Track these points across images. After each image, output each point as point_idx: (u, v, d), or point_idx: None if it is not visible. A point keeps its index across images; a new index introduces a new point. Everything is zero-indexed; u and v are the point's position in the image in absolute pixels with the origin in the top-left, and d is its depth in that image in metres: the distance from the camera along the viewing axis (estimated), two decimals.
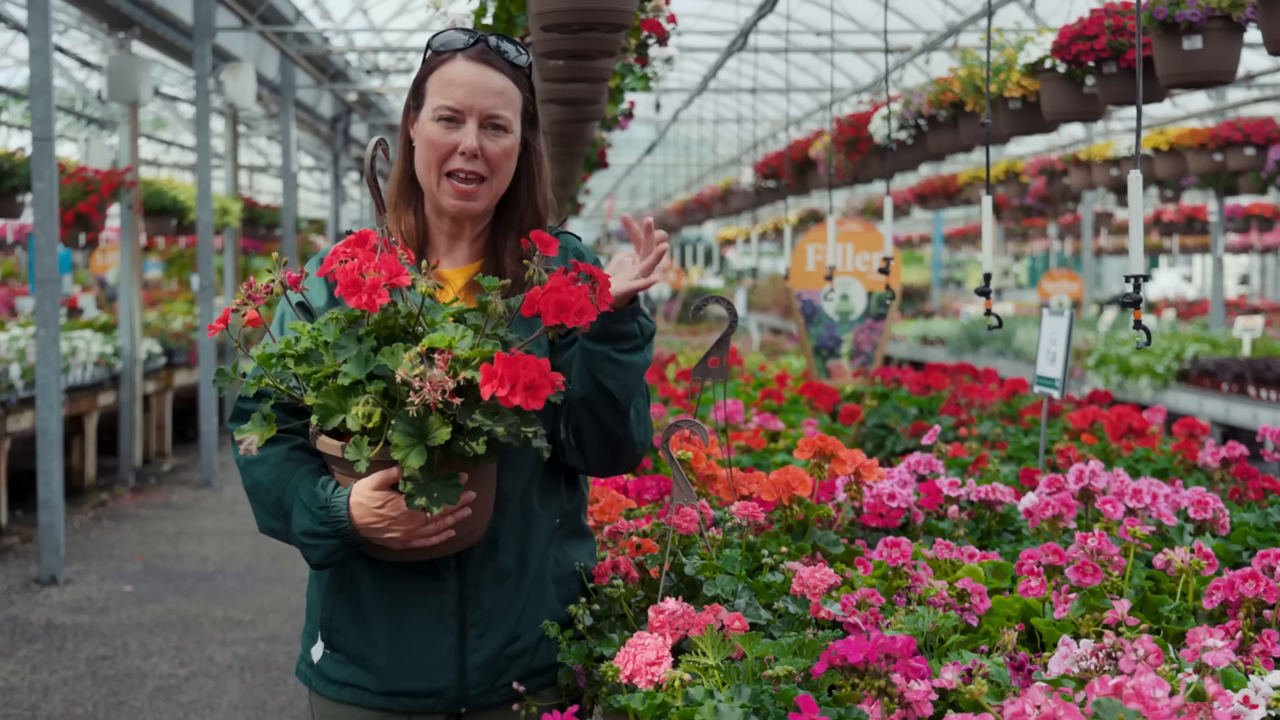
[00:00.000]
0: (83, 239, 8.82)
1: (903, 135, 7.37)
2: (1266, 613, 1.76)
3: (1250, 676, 1.48)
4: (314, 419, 1.78)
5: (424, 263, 1.84)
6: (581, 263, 1.82)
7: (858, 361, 6.71)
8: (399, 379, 1.70)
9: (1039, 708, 1.32)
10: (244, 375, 1.87)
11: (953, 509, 2.48)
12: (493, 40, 2.03)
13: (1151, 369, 9.77)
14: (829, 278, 5.06)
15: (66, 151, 16.28)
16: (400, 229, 2.08)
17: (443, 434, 1.70)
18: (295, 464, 1.92)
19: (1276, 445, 2.89)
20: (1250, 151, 9.86)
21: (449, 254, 2.09)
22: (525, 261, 1.88)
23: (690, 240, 33.07)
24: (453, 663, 1.99)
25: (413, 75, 2.10)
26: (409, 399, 1.69)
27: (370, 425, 1.73)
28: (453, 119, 1.99)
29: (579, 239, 2.16)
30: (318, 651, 2.07)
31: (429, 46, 2.06)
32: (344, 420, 1.75)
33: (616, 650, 1.72)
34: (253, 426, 1.83)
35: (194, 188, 10.65)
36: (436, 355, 1.71)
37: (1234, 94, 12.85)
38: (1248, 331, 9.90)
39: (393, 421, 1.73)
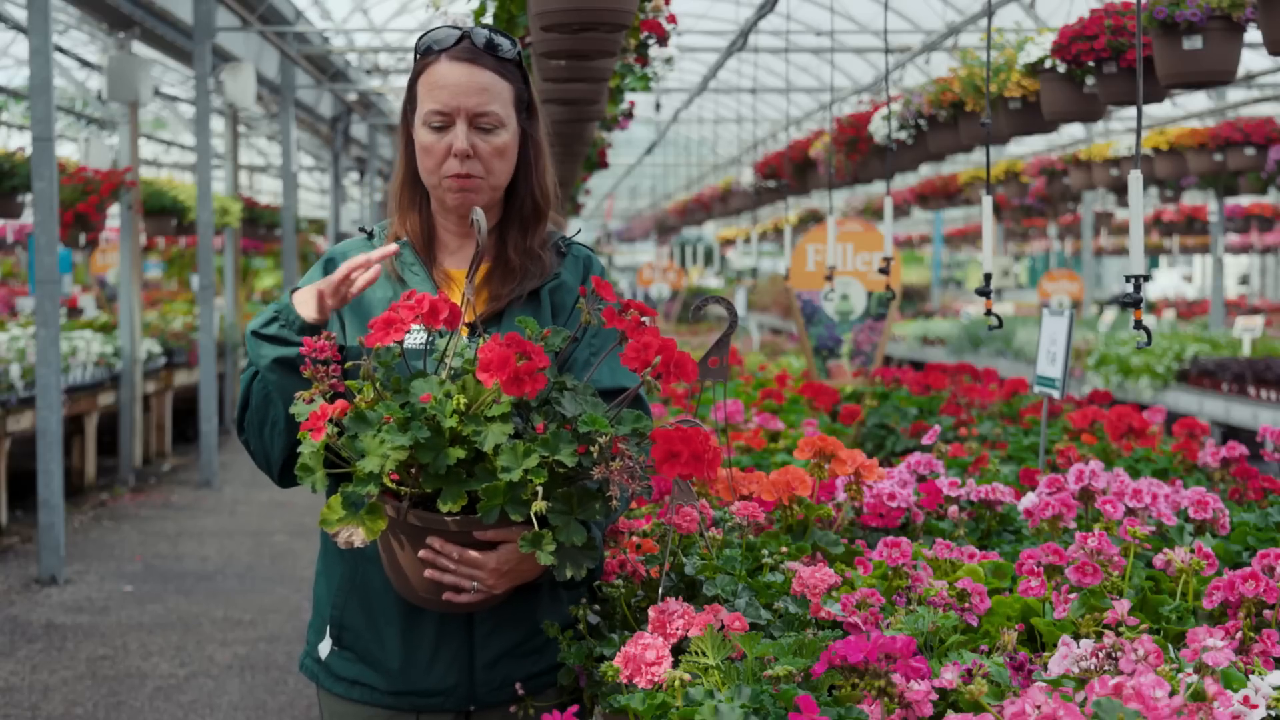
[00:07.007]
0: (83, 239, 8.81)
1: (903, 135, 7.37)
2: (1266, 613, 1.75)
3: (1250, 676, 1.48)
4: (444, 504, 1.70)
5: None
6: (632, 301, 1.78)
7: (858, 361, 6.70)
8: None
9: (1039, 708, 1.32)
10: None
11: (953, 509, 2.47)
12: (480, 36, 2.00)
13: (1151, 369, 9.77)
14: (829, 278, 5.06)
15: (66, 151, 16.26)
16: (407, 230, 2.10)
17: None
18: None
19: (1276, 445, 2.89)
20: (1250, 151, 9.86)
21: (458, 253, 2.11)
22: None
23: (690, 240, 33.07)
24: (462, 662, 2.00)
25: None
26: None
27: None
28: (443, 123, 1.99)
29: (591, 250, 2.17)
30: (325, 648, 2.07)
31: (417, 48, 2.05)
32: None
33: (616, 650, 1.72)
34: (357, 517, 1.71)
35: (194, 188, 10.65)
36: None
37: (1234, 94, 12.84)
38: (1248, 331, 9.90)
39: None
